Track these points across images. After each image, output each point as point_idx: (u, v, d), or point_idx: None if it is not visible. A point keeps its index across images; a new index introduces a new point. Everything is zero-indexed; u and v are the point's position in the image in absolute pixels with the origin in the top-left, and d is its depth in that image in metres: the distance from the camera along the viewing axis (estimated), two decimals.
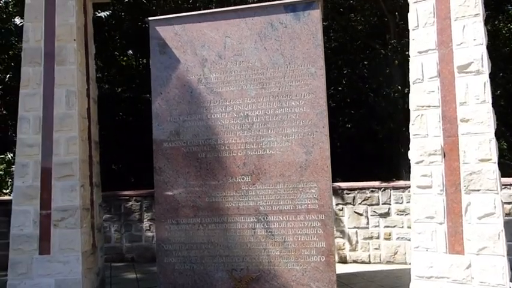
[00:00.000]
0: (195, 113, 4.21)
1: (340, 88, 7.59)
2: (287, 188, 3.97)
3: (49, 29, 4.15)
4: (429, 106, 3.49)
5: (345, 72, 7.73)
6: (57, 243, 3.93)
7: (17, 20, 7.84)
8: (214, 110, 4.18)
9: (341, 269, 5.16)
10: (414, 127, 3.56)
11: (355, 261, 5.77)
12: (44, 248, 3.93)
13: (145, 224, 6.49)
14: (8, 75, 7.96)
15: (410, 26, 3.70)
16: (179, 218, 4.16)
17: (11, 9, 8.46)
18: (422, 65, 3.57)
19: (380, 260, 5.67)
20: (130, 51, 9.54)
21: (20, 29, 8.17)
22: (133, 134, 8.85)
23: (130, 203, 6.49)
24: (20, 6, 8.27)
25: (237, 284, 3.98)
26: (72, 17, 4.18)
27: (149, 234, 6.46)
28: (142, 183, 7.71)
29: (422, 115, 3.52)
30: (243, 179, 4.07)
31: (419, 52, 3.60)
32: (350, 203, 5.84)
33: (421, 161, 3.49)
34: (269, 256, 3.96)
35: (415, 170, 3.53)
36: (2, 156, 7.85)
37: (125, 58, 10.67)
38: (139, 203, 6.50)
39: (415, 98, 3.59)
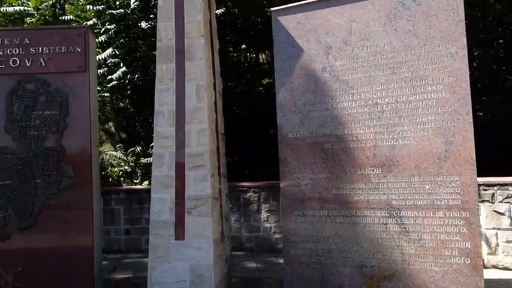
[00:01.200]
0: (320, 103, 4.09)
1: (469, 72, 6.79)
2: (423, 181, 3.64)
3: (179, 27, 4.36)
4: None
5: (475, 53, 6.91)
6: (191, 230, 4.14)
7: (143, 24, 8.54)
8: (340, 99, 4.01)
9: None
10: None
11: (494, 267, 5.15)
12: (179, 234, 4.16)
13: (263, 215, 6.59)
14: (136, 76, 8.69)
15: None
16: (305, 210, 4.09)
17: (136, 16, 9.23)
18: None
19: None
20: (244, 46, 9.78)
21: (144, 33, 8.93)
22: (246, 128, 9.09)
23: (248, 194, 6.66)
24: (144, 12, 9.00)
25: (368, 281, 3.79)
26: (199, 13, 4.34)
27: (267, 225, 6.56)
28: (256, 175, 7.87)
29: None
30: (373, 170, 3.85)
31: None
32: (488, 201, 5.22)
33: None
34: (403, 254, 3.69)
35: None
36: (132, 149, 8.61)
37: (235, 54, 11.02)
38: (257, 195, 6.63)
39: None
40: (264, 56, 11.89)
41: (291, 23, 4.24)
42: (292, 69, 4.22)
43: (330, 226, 3.98)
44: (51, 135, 4.38)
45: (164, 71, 4.36)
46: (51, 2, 9.45)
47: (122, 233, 6.76)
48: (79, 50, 4.41)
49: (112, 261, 6.19)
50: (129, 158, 8.68)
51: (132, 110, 10.30)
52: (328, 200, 4.00)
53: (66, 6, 10.55)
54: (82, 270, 4.33)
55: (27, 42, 4.40)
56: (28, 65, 4.39)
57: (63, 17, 9.58)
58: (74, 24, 9.10)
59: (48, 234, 4.35)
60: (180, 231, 4.17)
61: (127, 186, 7.79)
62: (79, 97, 4.42)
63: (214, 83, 4.56)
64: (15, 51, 4.40)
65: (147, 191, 6.81)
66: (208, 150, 4.18)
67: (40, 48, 4.40)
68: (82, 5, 9.04)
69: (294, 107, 4.20)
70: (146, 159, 8.47)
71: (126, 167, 8.58)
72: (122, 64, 8.56)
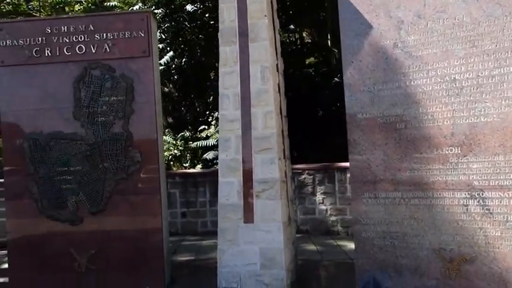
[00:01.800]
0: (392, 81, 3.92)
1: None
2: (509, 161, 3.43)
3: (241, 7, 4.27)
4: None
5: None
6: (259, 213, 4.13)
7: (188, 7, 8.49)
8: (413, 76, 3.82)
9: None
10: None
11: None
12: (248, 217, 4.16)
13: (319, 197, 6.53)
14: (184, 60, 8.70)
15: None
16: (377, 192, 3.97)
17: None
18: None
19: None
20: (292, 26, 9.60)
21: (190, 16, 8.90)
22: (293, 109, 8.96)
23: (303, 177, 6.60)
24: None
25: (447, 264, 3.66)
26: None
27: (323, 207, 6.50)
28: (306, 157, 7.78)
29: None
30: (451, 150, 3.67)
31: None
32: None
33: None
34: (486, 237, 3.52)
35: None
36: (182, 133, 8.70)
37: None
38: (311, 177, 6.56)
39: None
40: (304, 34, 11.65)
41: None
42: (360, 47, 4.05)
43: (404, 208, 3.85)
44: (118, 120, 4.44)
45: (227, 53, 4.30)
46: None
47: (179, 216, 6.88)
48: (142, 35, 4.41)
49: (171, 243, 6.31)
50: (178, 142, 8.79)
51: (177, 94, 10.38)
52: (401, 182, 3.86)
53: None
54: (152, 253, 4.42)
55: (92, 28, 4.44)
56: (93, 51, 4.44)
57: (107, 3, 9.66)
58: (118, 10, 9.19)
59: (118, 218, 4.45)
60: (248, 215, 4.17)
61: (182, 170, 7.89)
62: (144, 82, 4.43)
63: (277, 64, 4.47)
64: (81, 38, 4.45)
65: (201, 175, 6.92)
66: (275, 133, 4.13)
67: (104, 34, 4.43)
68: None
69: (363, 86, 4.04)
70: (195, 143, 8.56)
71: (175, 151, 8.70)
72: (168, 49, 8.59)
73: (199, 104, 9.55)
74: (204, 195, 6.71)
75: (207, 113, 8.78)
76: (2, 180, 7.05)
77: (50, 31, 4.48)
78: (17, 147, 4.53)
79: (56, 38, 4.47)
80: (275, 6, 4.64)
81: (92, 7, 10.94)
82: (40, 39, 4.49)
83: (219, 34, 4.36)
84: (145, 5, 8.71)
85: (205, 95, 8.89)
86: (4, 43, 4.52)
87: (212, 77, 8.85)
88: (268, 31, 4.22)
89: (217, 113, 8.57)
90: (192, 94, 9.58)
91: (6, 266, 4.75)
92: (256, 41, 4.21)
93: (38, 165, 4.50)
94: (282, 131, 4.43)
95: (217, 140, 8.31)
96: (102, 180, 4.45)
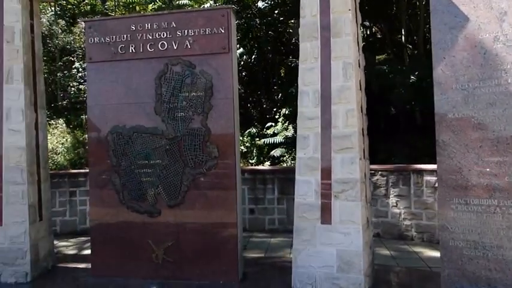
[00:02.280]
0: (490, 78, 3.60)
1: None
2: None
3: (324, 1, 4.15)
4: None
5: None
6: (338, 214, 3.99)
7: (259, 4, 8.47)
8: None
9: None
10: None
11: None
12: (326, 218, 4.04)
13: (392, 199, 6.23)
14: (254, 56, 8.70)
15: None
16: (468, 198, 3.68)
17: None
18: None
19: None
20: (366, 23, 9.29)
21: (261, 12, 8.87)
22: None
23: (375, 178, 6.33)
24: None
25: None
26: None
27: (396, 210, 6.20)
28: (378, 157, 7.48)
29: None
30: None
31: None
32: None
33: None
34: None
35: None
36: (249, 130, 8.72)
37: None
38: (385, 178, 6.28)
39: None
40: (373, 30, 11.23)
41: None
42: (454, 42, 3.76)
43: (501, 218, 3.53)
44: (197, 116, 4.49)
45: (308, 49, 4.19)
46: None
47: (247, 212, 6.88)
48: (222, 31, 4.42)
49: None
50: (244, 138, 8.83)
51: (244, 91, 10.44)
52: (498, 188, 3.54)
53: None
54: (226, 247, 4.44)
55: (174, 25, 4.52)
56: (175, 47, 4.52)
57: (177, 2, 9.88)
58: (188, 8, 9.38)
59: (194, 212, 4.52)
60: (326, 215, 4.05)
61: (251, 167, 7.89)
62: (222, 78, 4.45)
63: (359, 60, 4.29)
64: (163, 35, 4.55)
65: (270, 172, 6.86)
66: (357, 132, 3.97)
67: (186, 31, 4.50)
68: None
69: (455, 83, 3.76)
70: (262, 140, 8.54)
71: (242, 148, 8.74)
72: (238, 45, 8.63)
73: (266, 101, 9.52)
74: (272, 193, 6.66)
75: (274, 110, 8.72)
76: (81, 170, 7.49)
77: (134, 28, 4.62)
78: (101, 139, 4.74)
79: (140, 35, 4.61)
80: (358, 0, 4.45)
81: (163, 6, 11.29)
82: (125, 36, 4.65)
83: (299, 29, 4.26)
84: (215, 3, 8.81)
85: (273, 92, 8.84)
86: (92, 40, 4.74)
87: (282, 74, 8.77)
88: (352, 25, 4.06)
89: (284, 110, 8.53)
90: (259, 91, 9.57)
91: (86, 252, 5.00)
92: (339, 36, 4.06)
93: (120, 158, 4.68)
94: (362, 130, 4.25)
95: (284, 138, 8.27)
96: (180, 174, 4.53)
